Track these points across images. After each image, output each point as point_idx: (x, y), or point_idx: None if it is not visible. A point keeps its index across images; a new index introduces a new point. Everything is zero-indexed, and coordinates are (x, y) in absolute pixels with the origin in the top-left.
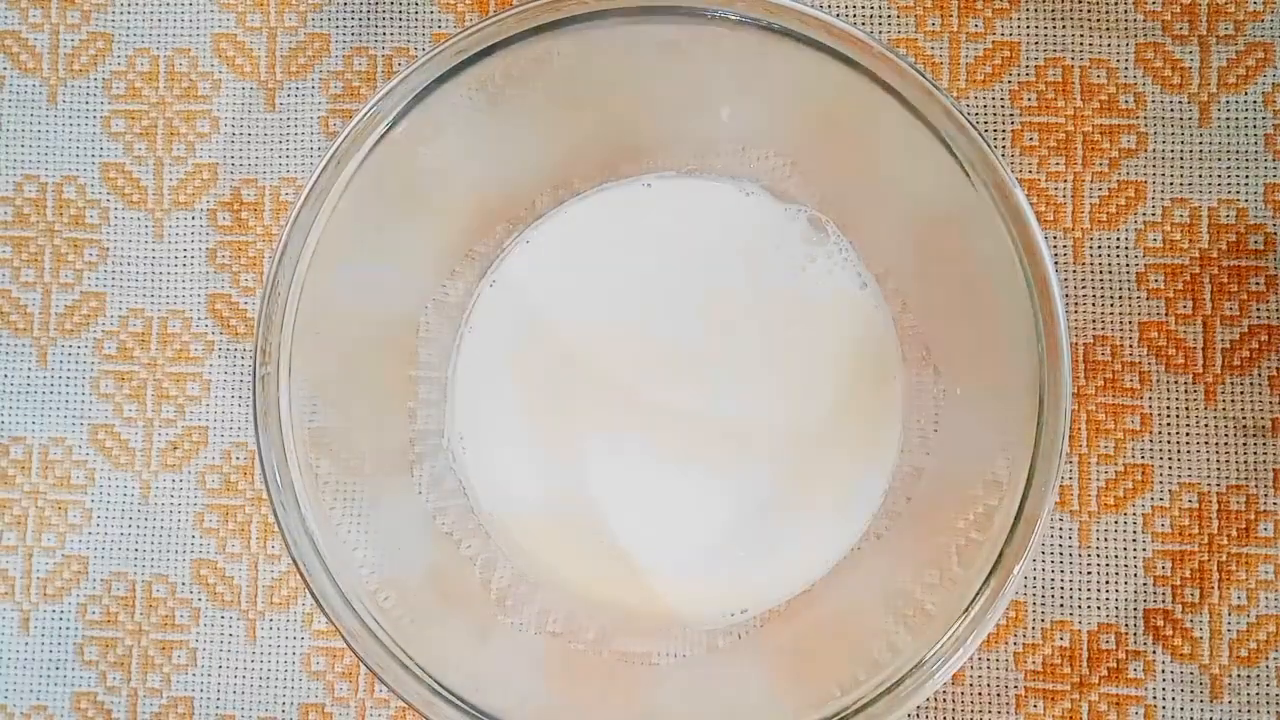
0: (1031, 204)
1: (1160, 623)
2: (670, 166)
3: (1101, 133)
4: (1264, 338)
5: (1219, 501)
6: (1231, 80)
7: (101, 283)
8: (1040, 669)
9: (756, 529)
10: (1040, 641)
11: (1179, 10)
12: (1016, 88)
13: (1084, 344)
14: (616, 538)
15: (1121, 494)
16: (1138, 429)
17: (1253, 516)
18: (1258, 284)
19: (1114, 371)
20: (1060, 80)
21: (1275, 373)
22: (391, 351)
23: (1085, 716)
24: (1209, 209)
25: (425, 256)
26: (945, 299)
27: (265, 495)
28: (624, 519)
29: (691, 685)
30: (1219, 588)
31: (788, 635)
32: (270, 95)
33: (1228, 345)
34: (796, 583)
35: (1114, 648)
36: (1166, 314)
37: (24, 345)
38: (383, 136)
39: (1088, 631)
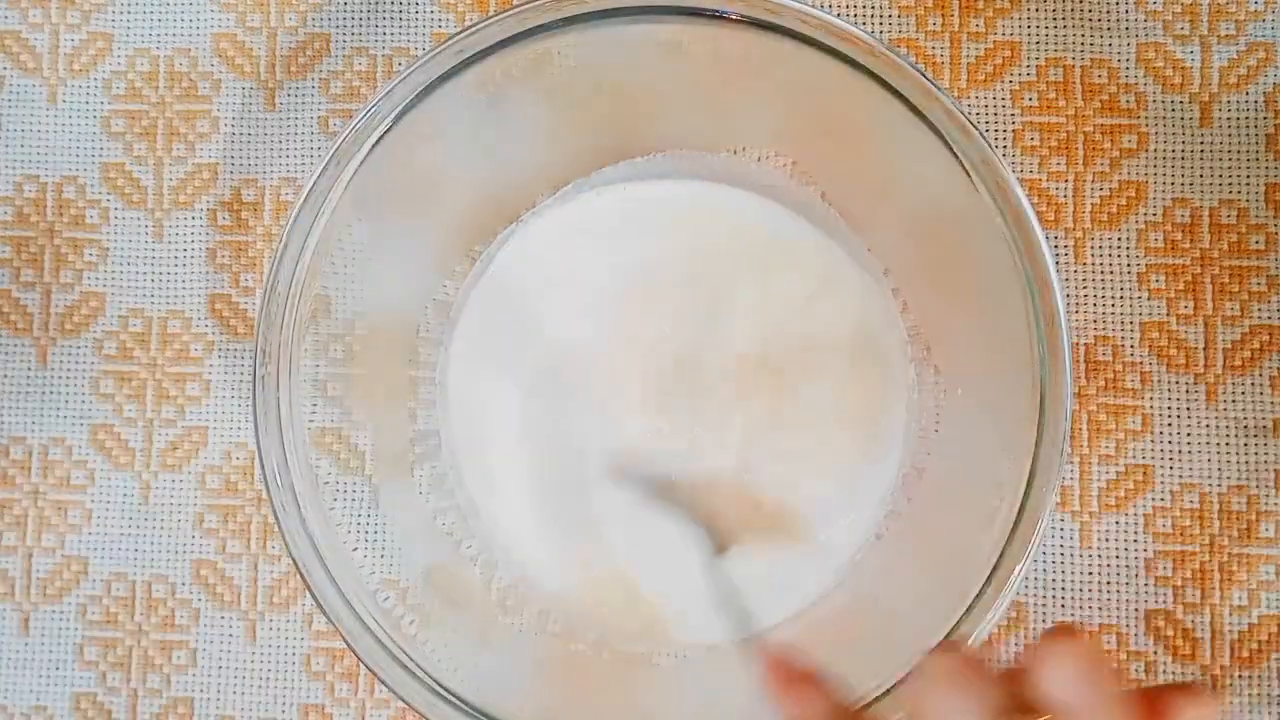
0: (1032, 204)
1: (1161, 623)
2: (669, 166)
3: (1102, 132)
4: (1265, 338)
5: (1220, 502)
6: (1233, 80)
7: (101, 283)
8: None
9: (758, 532)
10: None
11: (1180, 10)
12: (1017, 87)
13: (1085, 344)
14: (614, 540)
15: (1123, 494)
16: (1139, 429)
17: (1254, 517)
18: (1259, 284)
19: (1115, 371)
20: (1061, 80)
21: (1276, 373)
22: (391, 351)
23: None
24: (1210, 209)
25: (425, 256)
26: (946, 299)
27: (265, 495)
28: (621, 522)
29: (691, 685)
30: (1220, 588)
31: (787, 636)
32: (270, 95)
33: (1229, 345)
34: (799, 592)
35: (1114, 648)
36: (1168, 314)
37: (24, 345)
38: (383, 136)
39: (1088, 632)
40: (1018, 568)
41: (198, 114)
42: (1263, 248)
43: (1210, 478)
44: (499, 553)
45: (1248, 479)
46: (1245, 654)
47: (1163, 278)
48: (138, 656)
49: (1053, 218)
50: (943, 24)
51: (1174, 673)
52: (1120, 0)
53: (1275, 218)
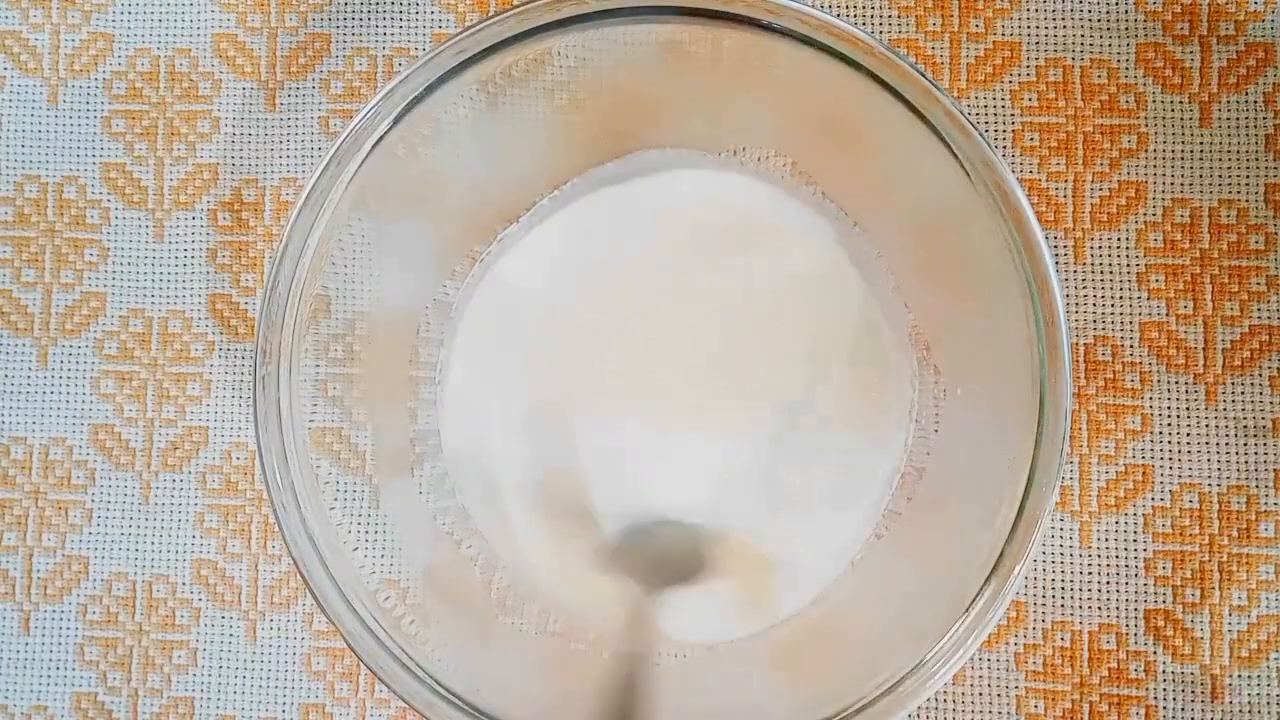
0: (1032, 204)
1: (1161, 623)
2: (669, 167)
3: (1102, 133)
4: (1264, 338)
5: (1219, 502)
6: (1232, 80)
7: (102, 283)
8: (1041, 669)
9: (759, 534)
10: (1041, 642)
11: (1180, 10)
12: (1017, 88)
13: (1084, 344)
14: (614, 540)
15: (1122, 494)
16: (1138, 429)
17: (1253, 517)
18: (1258, 284)
19: (1114, 371)
20: (1061, 80)
21: (1276, 373)
22: (391, 352)
23: (1086, 717)
24: (1210, 209)
25: (425, 256)
26: (946, 299)
27: (265, 495)
28: (622, 522)
29: (691, 685)
30: (1220, 588)
31: (788, 635)
32: (271, 95)
33: (1228, 345)
34: (799, 593)
35: (1114, 648)
36: (1167, 314)
37: (25, 345)
38: (383, 137)
39: (1088, 631)
40: (1018, 568)
41: (198, 114)
42: (1262, 248)
43: (1210, 478)
44: (499, 552)
45: (1247, 479)
46: (1245, 654)
47: (1162, 278)
48: (138, 656)
49: (1052, 218)
50: (942, 24)
51: (1174, 672)
52: (1120, 0)
53: (1275, 218)
